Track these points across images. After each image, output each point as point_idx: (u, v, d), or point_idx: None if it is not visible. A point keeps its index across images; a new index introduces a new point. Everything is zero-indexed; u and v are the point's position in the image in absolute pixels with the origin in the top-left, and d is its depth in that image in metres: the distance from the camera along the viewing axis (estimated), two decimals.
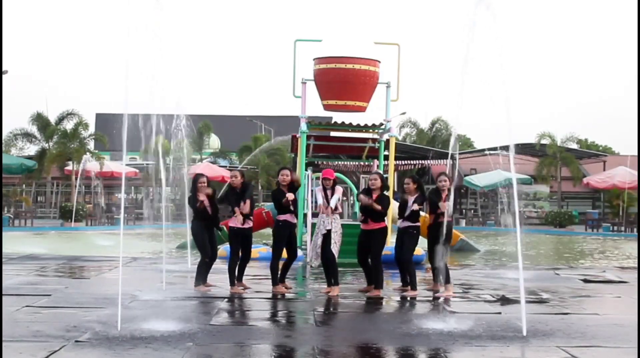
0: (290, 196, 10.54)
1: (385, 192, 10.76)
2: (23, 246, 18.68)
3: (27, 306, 9.15)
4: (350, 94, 16.17)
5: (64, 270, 13.51)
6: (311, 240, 11.71)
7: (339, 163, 31.59)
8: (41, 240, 23.33)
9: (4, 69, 29.34)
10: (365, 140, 17.78)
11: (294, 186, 10.81)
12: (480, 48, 8.28)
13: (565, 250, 22.63)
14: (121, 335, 7.39)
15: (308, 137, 16.65)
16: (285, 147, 39.38)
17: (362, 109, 16.61)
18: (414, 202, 10.73)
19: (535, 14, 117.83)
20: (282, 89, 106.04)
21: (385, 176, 12.48)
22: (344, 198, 21.35)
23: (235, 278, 10.83)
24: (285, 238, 10.74)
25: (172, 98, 12.63)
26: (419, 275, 11.78)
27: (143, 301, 9.46)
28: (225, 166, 41.29)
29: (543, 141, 39.25)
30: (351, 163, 31.96)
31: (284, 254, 10.91)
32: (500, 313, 9.26)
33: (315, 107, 16.81)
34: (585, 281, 12.71)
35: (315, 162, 21.90)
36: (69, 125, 36.88)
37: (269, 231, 18.41)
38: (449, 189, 10.68)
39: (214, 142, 53.58)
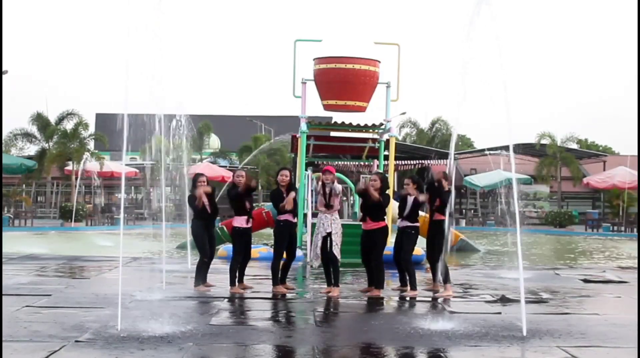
0: (292, 195, 10.52)
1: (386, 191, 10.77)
2: (23, 246, 18.67)
3: (27, 306, 9.14)
4: (350, 94, 16.17)
5: (64, 270, 13.51)
6: (311, 240, 11.71)
7: (339, 163, 31.59)
8: (41, 240, 23.32)
9: (4, 69, 29.34)
10: (365, 140, 17.78)
11: (294, 186, 10.81)
12: (480, 48, 8.27)
13: (565, 250, 22.62)
14: (121, 335, 7.39)
15: (308, 137, 16.65)
16: (285, 147, 39.38)
17: (362, 109, 16.62)
18: (413, 202, 10.75)
19: (535, 14, 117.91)
20: (282, 89, 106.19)
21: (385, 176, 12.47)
22: (344, 198, 21.37)
23: (237, 278, 10.83)
24: (287, 238, 10.74)
25: (173, 98, 12.64)
26: (419, 275, 11.78)
27: (143, 301, 9.45)
28: (225, 166, 41.30)
29: (543, 141, 39.23)
30: (351, 163, 31.98)
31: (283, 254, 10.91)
32: (500, 313, 9.25)
33: (315, 107, 16.85)
34: (585, 281, 12.71)
35: (315, 162, 21.89)
36: (69, 125, 36.89)
37: (268, 231, 18.46)
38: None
39: (214, 142, 53.58)
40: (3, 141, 34.94)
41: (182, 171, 13.79)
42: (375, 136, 17.37)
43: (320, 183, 10.79)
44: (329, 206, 10.52)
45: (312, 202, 16.26)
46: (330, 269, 10.58)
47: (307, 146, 16.77)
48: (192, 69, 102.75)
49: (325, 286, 10.76)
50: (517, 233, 8.17)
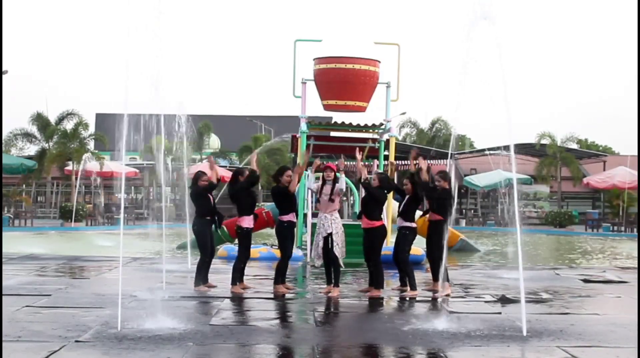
0: (317, 161, 10.82)
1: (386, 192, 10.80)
2: (23, 246, 18.66)
3: (27, 306, 9.15)
4: (350, 94, 16.18)
5: (64, 270, 13.51)
6: (311, 240, 11.70)
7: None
8: (41, 240, 23.31)
9: (4, 69, 29.34)
10: (365, 140, 17.77)
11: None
12: (480, 48, 8.28)
13: (565, 250, 22.62)
14: (121, 335, 7.40)
15: (308, 137, 16.65)
16: (285, 147, 39.36)
17: (362, 109, 16.62)
18: (407, 200, 10.82)
19: (535, 14, 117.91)
20: (282, 89, 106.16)
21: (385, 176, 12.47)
22: (344, 198, 21.38)
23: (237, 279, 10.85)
24: (293, 237, 10.83)
25: (173, 98, 12.64)
26: (419, 275, 11.77)
27: (143, 301, 9.45)
28: (225, 166, 41.28)
29: (543, 141, 39.23)
30: (351, 163, 31.92)
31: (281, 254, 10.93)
32: (500, 313, 9.26)
33: (315, 107, 16.85)
34: (585, 281, 12.70)
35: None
36: (69, 125, 36.91)
37: (268, 231, 18.46)
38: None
39: (214, 142, 53.53)
40: (3, 141, 34.96)
41: (182, 171, 13.80)
42: (375, 136, 17.38)
43: (320, 180, 10.83)
44: (331, 201, 10.52)
45: (311, 202, 16.26)
46: (331, 269, 10.59)
47: (307, 146, 16.77)
48: (192, 69, 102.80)
49: (325, 286, 10.77)
50: (517, 233, 8.18)
